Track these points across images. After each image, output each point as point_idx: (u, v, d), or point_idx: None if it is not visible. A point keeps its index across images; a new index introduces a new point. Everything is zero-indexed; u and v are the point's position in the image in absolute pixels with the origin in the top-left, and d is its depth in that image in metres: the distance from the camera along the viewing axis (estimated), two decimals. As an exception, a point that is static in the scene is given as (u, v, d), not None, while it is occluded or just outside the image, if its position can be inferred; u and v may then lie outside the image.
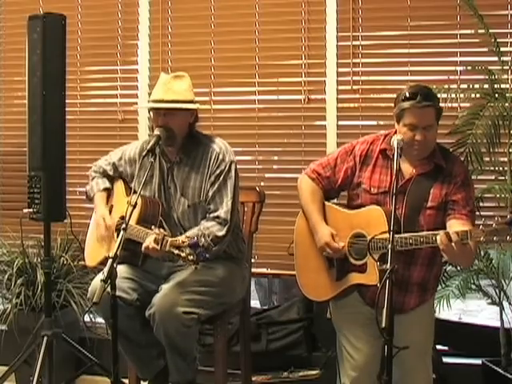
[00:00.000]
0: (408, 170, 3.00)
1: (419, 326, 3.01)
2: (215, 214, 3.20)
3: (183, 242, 2.87)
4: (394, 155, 2.76)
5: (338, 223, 3.05)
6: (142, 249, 3.03)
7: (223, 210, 3.20)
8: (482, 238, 2.68)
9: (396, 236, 2.82)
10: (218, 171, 3.24)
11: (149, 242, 2.99)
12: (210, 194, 3.24)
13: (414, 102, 2.88)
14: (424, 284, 3.00)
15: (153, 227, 3.02)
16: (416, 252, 2.85)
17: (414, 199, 2.91)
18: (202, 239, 3.01)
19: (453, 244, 2.70)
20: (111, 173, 3.47)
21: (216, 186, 3.23)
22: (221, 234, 3.16)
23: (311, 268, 3.14)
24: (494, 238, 2.67)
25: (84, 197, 3.82)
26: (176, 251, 2.87)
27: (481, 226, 2.69)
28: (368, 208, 2.99)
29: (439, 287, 3.72)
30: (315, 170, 3.16)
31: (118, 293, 2.89)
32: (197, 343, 3.27)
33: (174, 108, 3.21)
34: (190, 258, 2.84)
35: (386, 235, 2.81)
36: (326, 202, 3.14)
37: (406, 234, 2.80)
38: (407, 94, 2.91)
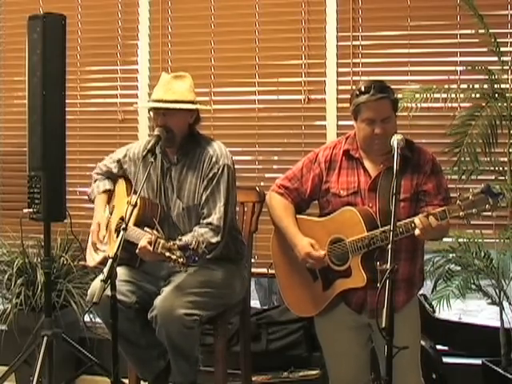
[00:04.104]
0: (374, 167, 2.98)
1: (409, 326, 2.97)
2: (208, 221, 3.18)
3: (174, 245, 2.88)
4: (394, 155, 2.75)
5: (314, 233, 3.01)
6: (137, 250, 3.03)
7: (216, 217, 3.18)
8: (460, 214, 2.66)
9: (376, 231, 2.83)
10: (210, 174, 3.22)
11: (142, 242, 2.99)
12: (204, 197, 3.22)
13: (368, 95, 2.88)
14: (410, 279, 2.98)
15: (146, 228, 3.02)
16: (398, 247, 2.76)
17: (386, 194, 2.84)
18: (197, 246, 3.00)
19: (432, 224, 2.69)
20: (116, 170, 3.47)
21: (209, 189, 3.22)
22: (215, 240, 3.15)
23: (296, 285, 3.11)
24: (473, 211, 2.64)
25: (84, 197, 3.84)
26: (167, 253, 2.87)
27: (457, 201, 2.67)
28: (340, 210, 2.96)
29: (439, 287, 3.73)
30: (282, 184, 3.13)
31: (117, 296, 2.89)
32: (198, 344, 3.26)
33: (173, 108, 3.21)
34: (180, 260, 2.84)
35: (363, 235, 2.84)
36: (298, 215, 3.10)
37: (385, 228, 2.78)
38: (362, 89, 2.91)
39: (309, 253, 2.95)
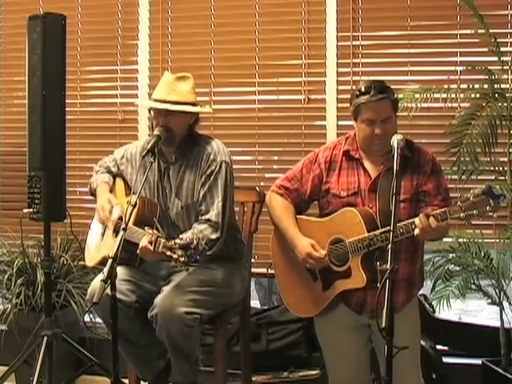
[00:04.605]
0: (374, 167, 2.98)
1: (409, 326, 2.96)
2: (207, 217, 3.19)
3: (175, 244, 2.88)
4: (394, 156, 2.74)
5: (314, 234, 3.00)
6: (138, 250, 3.03)
7: (214, 213, 3.18)
8: (461, 215, 2.66)
9: (376, 232, 2.83)
10: (208, 171, 3.23)
11: (143, 242, 2.99)
12: (201, 194, 3.22)
13: (368, 96, 2.88)
14: (410, 279, 2.98)
15: (146, 228, 3.02)
16: (398, 247, 2.76)
17: (386, 194, 2.84)
18: (197, 243, 3.01)
19: (432, 225, 2.70)
20: (114, 169, 3.47)
21: (207, 186, 3.22)
22: (214, 236, 3.15)
23: (295, 285, 3.11)
24: (474, 212, 2.64)
25: (84, 197, 3.83)
26: (168, 252, 2.87)
27: (458, 202, 2.67)
28: (341, 211, 2.96)
29: (439, 287, 3.73)
30: (282, 185, 3.13)
31: (117, 295, 2.89)
32: (199, 344, 3.26)
33: (175, 110, 3.20)
34: (182, 259, 2.84)
35: (363, 235, 2.84)
36: (298, 216, 3.10)
37: (385, 228, 2.77)
38: (362, 89, 2.91)
39: (309, 253, 2.95)
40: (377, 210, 2.91)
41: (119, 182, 3.44)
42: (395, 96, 2.98)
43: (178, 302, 3.06)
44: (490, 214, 2.66)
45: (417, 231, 2.74)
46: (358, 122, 2.95)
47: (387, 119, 2.90)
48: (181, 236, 3.03)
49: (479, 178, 3.67)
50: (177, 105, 3.20)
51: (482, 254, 3.71)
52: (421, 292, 3.71)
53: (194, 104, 3.28)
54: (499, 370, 3.59)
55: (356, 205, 2.95)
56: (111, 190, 3.43)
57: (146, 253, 3.00)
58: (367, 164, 2.99)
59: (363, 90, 2.90)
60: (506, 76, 3.79)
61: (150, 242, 2.93)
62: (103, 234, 3.37)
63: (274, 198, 3.14)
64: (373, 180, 2.95)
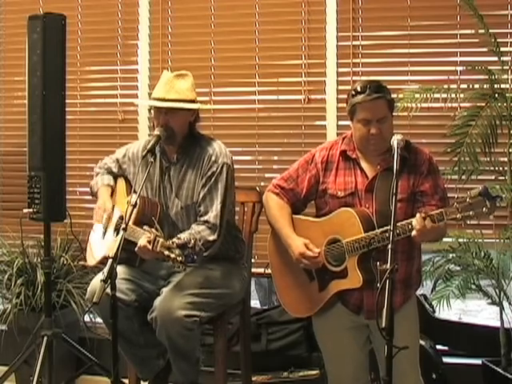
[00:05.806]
0: (371, 168, 2.98)
1: (407, 326, 2.96)
2: (205, 218, 3.19)
3: (173, 243, 2.88)
4: (394, 155, 2.74)
5: (310, 234, 3.00)
6: (136, 248, 3.03)
7: (212, 215, 3.18)
8: (458, 216, 2.66)
9: (373, 232, 2.83)
10: (209, 173, 3.23)
11: (142, 241, 2.99)
12: (201, 195, 3.22)
13: (364, 95, 2.88)
14: (407, 280, 2.97)
15: (145, 227, 3.02)
16: (395, 248, 2.65)
17: (382, 195, 2.86)
18: (194, 243, 3.01)
19: (427, 226, 2.69)
20: (115, 170, 3.47)
21: (207, 187, 3.22)
22: (212, 238, 3.15)
23: (292, 285, 3.11)
24: (471, 213, 2.64)
25: (84, 197, 3.82)
26: (166, 252, 2.88)
27: (455, 204, 2.67)
28: (337, 211, 2.96)
29: (439, 287, 3.73)
30: (278, 184, 3.13)
31: (116, 294, 2.89)
32: (199, 344, 3.26)
33: (176, 107, 3.21)
34: (179, 259, 2.85)
35: (360, 235, 2.84)
36: (294, 216, 3.10)
37: (382, 229, 2.78)
38: (358, 89, 2.91)
39: (303, 253, 2.95)
40: (373, 210, 2.92)
41: (121, 182, 3.44)
42: (391, 96, 2.98)
43: (178, 305, 3.06)
44: (487, 215, 2.66)
45: (414, 233, 2.73)
46: (354, 121, 2.95)
47: (383, 119, 2.91)
48: (178, 236, 3.03)
49: (479, 178, 3.67)
50: (176, 102, 3.20)
51: (482, 254, 3.71)
52: (421, 292, 3.72)
53: (193, 101, 3.27)
54: (499, 370, 3.59)
55: (353, 205, 2.95)
56: (113, 191, 3.43)
57: (145, 252, 3.00)
58: (364, 164, 2.99)
59: (359, 89, 2.91)
60: (506, 76, 3.79)
61: (149, 242, 2.93)
62: (105, 234, 3.37)
63: (270, 198, 3.14)
64: (369, 180, 2.95)
